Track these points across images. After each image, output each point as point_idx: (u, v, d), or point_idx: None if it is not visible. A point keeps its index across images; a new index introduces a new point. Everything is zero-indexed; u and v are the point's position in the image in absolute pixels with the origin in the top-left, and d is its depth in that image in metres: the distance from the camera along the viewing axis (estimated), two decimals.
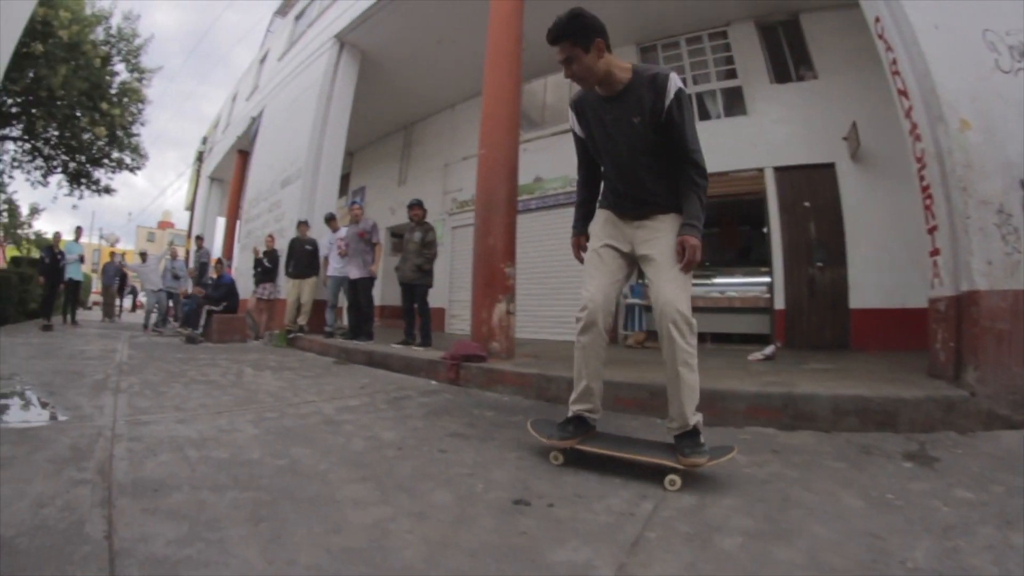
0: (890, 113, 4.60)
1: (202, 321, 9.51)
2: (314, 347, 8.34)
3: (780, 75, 8.98)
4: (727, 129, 9.10)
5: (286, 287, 9.40)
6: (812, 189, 8.38)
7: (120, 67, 14.00)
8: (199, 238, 11.86)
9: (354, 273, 8.20)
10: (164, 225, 64.86)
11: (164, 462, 2.33)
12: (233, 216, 16.76)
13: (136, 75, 14.40)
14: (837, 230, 8.11)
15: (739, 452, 2.47)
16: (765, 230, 9.00)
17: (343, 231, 8.72)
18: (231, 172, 17.39)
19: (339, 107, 10.61)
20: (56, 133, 13.31)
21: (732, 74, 9.34)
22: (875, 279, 7.73)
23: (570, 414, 2.63)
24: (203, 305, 9.63)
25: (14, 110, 12.72)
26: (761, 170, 8.75)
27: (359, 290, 8.25)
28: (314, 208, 9.97)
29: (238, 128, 16.21)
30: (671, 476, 2.21)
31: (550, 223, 10.42)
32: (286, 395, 4.39)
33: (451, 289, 12.34)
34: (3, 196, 22.28)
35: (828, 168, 8.26)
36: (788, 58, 8.96)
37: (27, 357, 6.26)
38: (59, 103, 11.89)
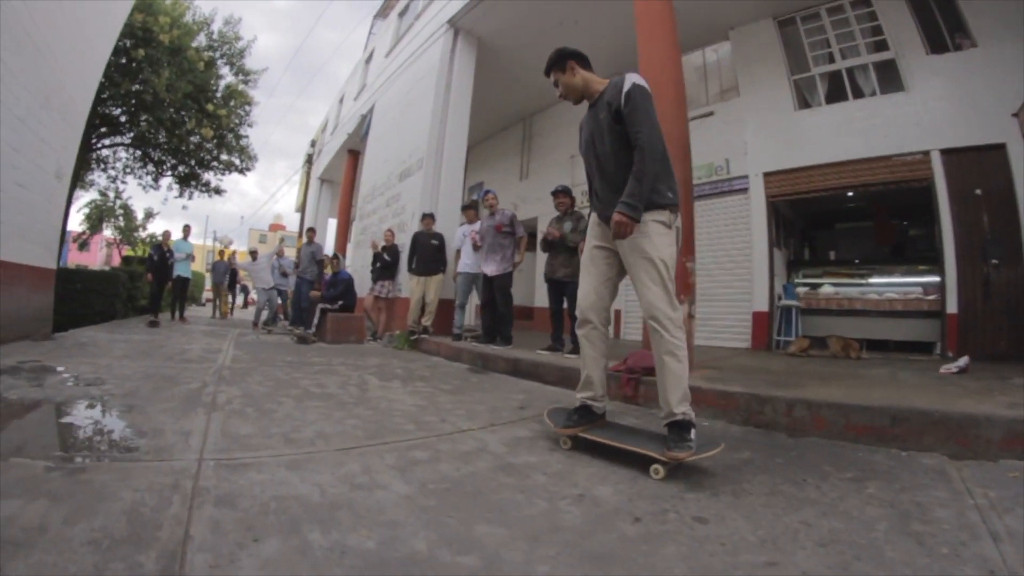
0: None
1: (315, 320, 8.58)
2: (441, 351, 7.44)
3: (935, 45, 7.79)
4: (884, 108, 7.96)
5: (408, 285, 8.51)
6: (982, 174, 7.23)
7: (225, 70, 13.89)
8: (311, 230, 11.06)
9: (491, 269, 7.18)
10: (275, 227, 66.95)
11: (269, 558, 1.45)
12: (345, 216, 16.63)
13: (241, 77, 14.15)
14: (1011, 221, 6.93)
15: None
16: (932, 224, 7.86)
17: (477, 224, 7.78)
18: (341, 173, 17.23)
19: (459, 93, 9.70)
20: (164, 140, 13.00)
21: (882, 45, 8.17)
22: None
23: (576, 403, 2.93)
24: (317, 303, 8.71)
25: (123, 118, 12.56)
26: (927, 153, 7.57)
27: (496, 288, 7.20)
28: (438, 200, 9.01)
29: (347, 127, 15.85)
30: (655, 466, 2.37)
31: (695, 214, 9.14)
32: (428, 418, 3.51)
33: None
34: (119, 201, 23.06)
35: (998, 149, 7.06)
36: (941, 25, 7.82)
37: (120, 356, 5.60)
38: (164, 104, 11.50)
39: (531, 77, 11.01)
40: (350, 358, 7.03)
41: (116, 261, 25.59)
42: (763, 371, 5.27)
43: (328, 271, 9.49)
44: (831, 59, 8.53)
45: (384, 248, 9.25)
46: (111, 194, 22.54)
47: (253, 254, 11.97)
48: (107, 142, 13.67)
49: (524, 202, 13.29)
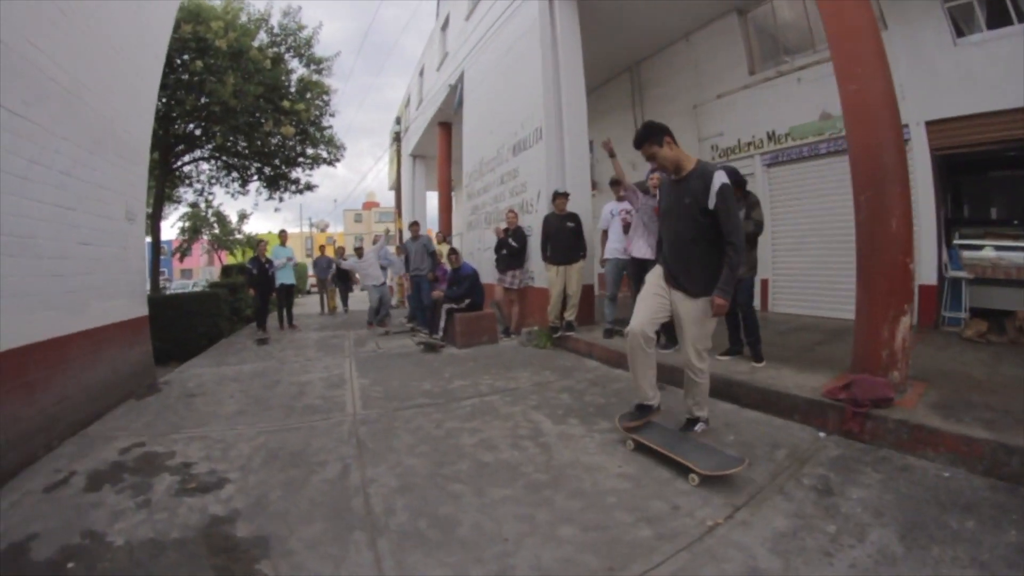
0: None
1: (442, 323, 7.61)
2: (595, 352, 6.48)
3: None
4: None
5: (547, 275, 7.25)
6: None
7: (294, 63, 12.83)
8: (414, 224, 9.98)
9: (644, 250, 5.87)
10: (368, 205, 66.82)
11: None
12: (446, 189, 16.07)
13: (313, 67, 13.09)
14: None
15: None
16: None
17: (625, 203, 6.50)
18: (433, 147, 16.34)
19: (568, 51, 8.21)
20: (245, 144, 12.27)
21: None
22: None
23: (634, 404, 3.64)
24: (441, 304, 7.69)
25: (198, 132, 11.95)
26: None
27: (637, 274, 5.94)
28: (564, 173, 7.75)
29: (435, 100, 14.71)
30: (691, 475, 2.96)
31: (832, 172, 7.83)
32: (656, 506, 2.74)
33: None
34: (211, 210, 23.16)
35: None
36: None
37: (234, 413, 4.81)
38: (236, 111, 10.74)
39: (636, 19, 9.60)
40: (494, 371, 6.02)
41: (217, 264, 26.11)
42: (978, 383, 4.25)
43: (447, 265, 8.37)
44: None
45: (509, 232, 8.06)
46: (202, 204, 22.77)
47: (359, 251, 11.08)
48: (187, 158, 13.22)
49: (643, 162, 11.61)
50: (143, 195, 6.60)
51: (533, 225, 7.99)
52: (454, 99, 12.63)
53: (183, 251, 24.23)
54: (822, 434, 3.61)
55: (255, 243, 10.87)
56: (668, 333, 5.68)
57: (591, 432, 3.90)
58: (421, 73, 18.31)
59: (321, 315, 14.00)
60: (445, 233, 15.11)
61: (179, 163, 13.04)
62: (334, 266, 13.44)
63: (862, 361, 3.98)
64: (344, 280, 13.39)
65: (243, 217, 25.38)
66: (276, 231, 11.35)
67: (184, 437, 4.13)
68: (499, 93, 9.70)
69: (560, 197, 7.08)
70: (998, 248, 6.94)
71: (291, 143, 12.37)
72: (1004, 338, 5.94)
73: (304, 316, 13.48)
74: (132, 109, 6.00)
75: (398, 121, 19.79)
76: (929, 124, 7.08)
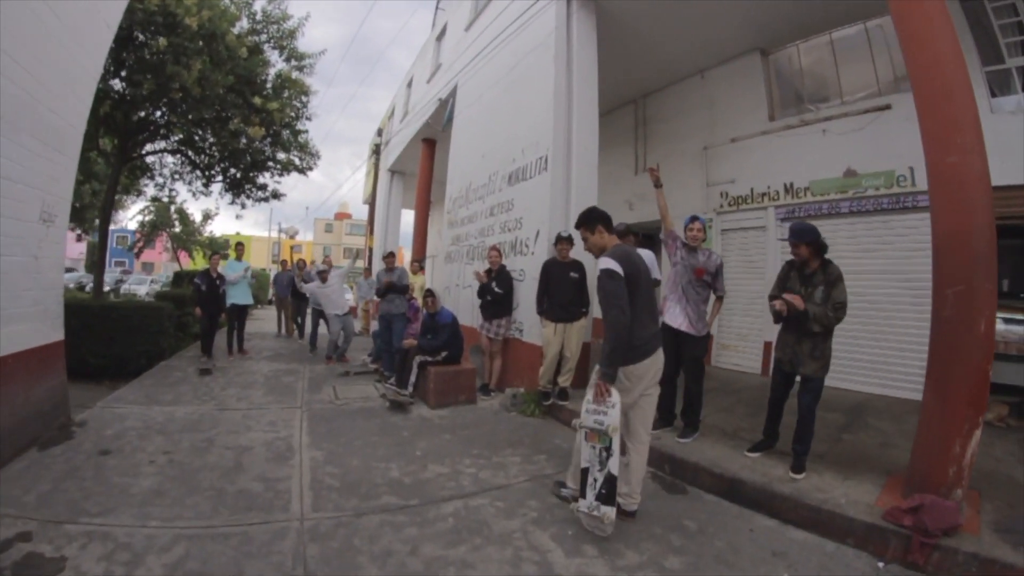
0: None
1: (413, 377, 6.48)
2: None
3: None
4: None
5: (542, 331, 6.25)
6: None
7: (274, 56, 11.39)
8: (390, 256, 8.85)
9: (679, 321, 4.91)
10: (341, 216, 65.29)
11: None
12: (423, 209, 15.12)
13: (294, 63, 11.62)
14: None
15: None
16: None
17: (649, 254, 5.79)
18: (415, 163, 15.30)
19: (584, 71, 7.27)
20: (212, 140, 10.94)
21: None
22: None
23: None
24: (415, 356, 6.56)
25: (163, 120, 10.58)
26: None
27: (687, 354, 4.93)
28: (569, 213, 6.73)
29: (423, 114, 13.63)
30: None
31: (864, 233, 7.33)
32: None
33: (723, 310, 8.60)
34: (174, 207, 21.65)
35: None
36: None
37: (151, 493, 3.75)
38: (200, 102, 9.44)
39: (648, 50, 8.86)
40: (476, 450, 4.99)
41: (186, 261, 24.45)
42: None
43: (423, 307, 7.29)
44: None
45: (492, 275, 7.01)
46: (165, 199, 21.17)
47: (322, 275, 9.89)
48: (149, 148, 11.81)
49: (641, 201, 10.84)
50: (68, 192, 5.40)
51: (526, 269, 6.99)
52: (443, 114, 11.62)
53: (139, 248, 22.67)
54: (881, 564, 3.15)
55: (217, 246, 9.61)
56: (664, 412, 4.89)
57: (616, 573, 2.93)
58: (409, 85, 17.28)
59: (277, 337, 12.75)
60: (419, 257, 13.99)
61: (140, 153, 11.62)
62: (290, 288, 12.12)
63: (925, 477, 3.44)
64: (300, 298, 11.79)
65: (207, 217, 23.80)
66: (242, 234, 10.19)
67: (83, 531, 3.10)
68: (497, 113, 8.72)
69: (564, 242, 6.09)
70: (1007, 321, 6.38)
71: (259, 145, 10.97)
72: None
73: (258, 336, 12.22)
74: (64, 85, 4.88)
75: (379, 133, 18.76)
76: None
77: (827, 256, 4.11)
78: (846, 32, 7.85)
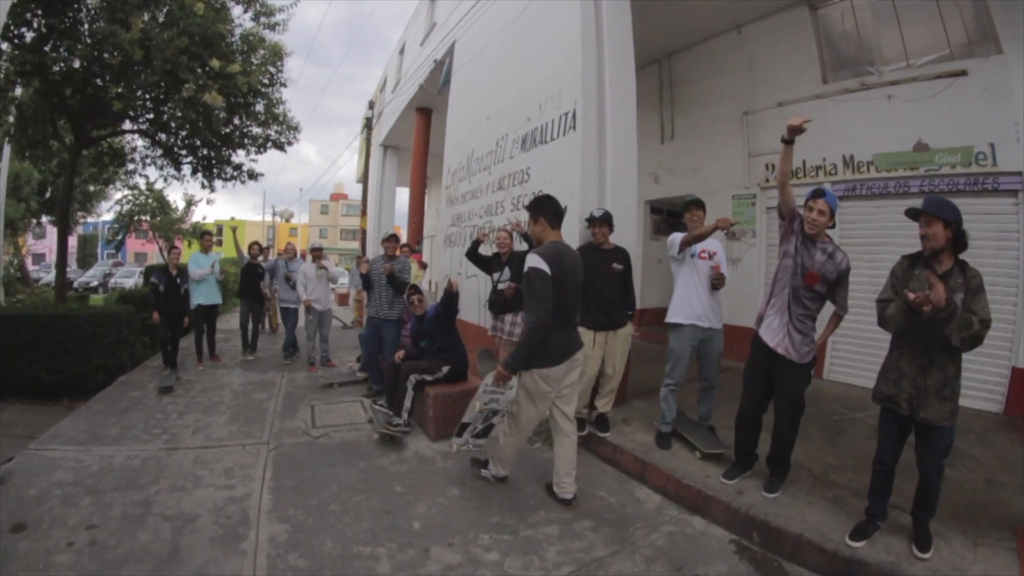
0: None
1: (408, 403, 4.99)
2: (649, 476, 4.21)
3: None
4: None
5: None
6: None
7: (239, 13, 9.63)
8: (391, 239, 7.09)
9: (778, 340, 3.52)
10: (336, 197, 63.07)
11: None
12: (419, 186, 13.77)
13: (264, 21, 9.79)
14: None
15: None
16: None
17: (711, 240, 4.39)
18: (409, 137, 13.80)
19: (615, 6, 5.68)
20: (172, 113, 9.19)
21: None
22: None
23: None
24: (411, 372, 5.08)
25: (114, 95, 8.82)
26: None
27: (783, 384, 3.57)
28: (605, 183, 5.26)
29: (416, 79, 12.04)
30: None
31: None
32: None
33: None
34: (151, 194, 20.13)
35: None
36: None
37: None
38: (143, 68, 7.81)
39: (674, 1, 7.42)
40: (495, 513, 3.70)
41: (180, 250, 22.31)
42: None
43: (411, 308, 5.79)
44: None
45: (503, 264, 5.49)
46: (142, 186, 19.76)
47: (317, 253, 8.21)
48: (110, 129, 10.41)
49: (669, 174, 9.40)
50: None
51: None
52: (440, 76, 10.05)
53: (117, 242, 21.17)
54: None
55: (200, 233, 8.11)
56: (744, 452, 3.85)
57: None
58: (402, 52, 15.65)
59: (243, 355, 9.79)
60: (414, 242, 12.43)
61: (98, 135, 10.07)
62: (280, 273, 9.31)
63: None
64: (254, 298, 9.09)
65: (190, 203, 22.15)
66: (235, 218, 8.72)
67: None
68: (505, 66, 7.18)
69: (601, 223, 4.60)
70: None
71: (221, 115, 9.19)
72: None
73: (237, 335, 10.68)
74: None
75: (371, 106, 17.15)
76: None
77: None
78: None
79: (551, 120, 5.71)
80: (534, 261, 3.30)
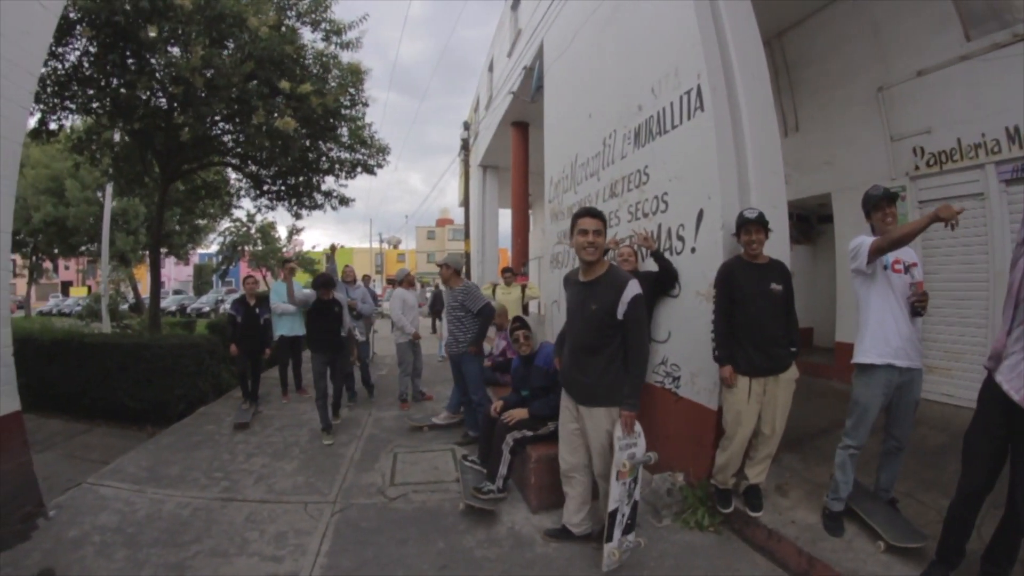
0: None
1: (504, 468, 4.00)
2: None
3: None
4: None
5: (724, 392, 3.59)
6: None
7: (308, 34, 9.03)
8: (447, 268, 6.07)
9: None
10: (442, 222, 63.63)
11: None
12: (521, 206, 13.03)
13: (335, 40, 9.08)
14: None
15: None
16: None
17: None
18: (507, 155, 13.25)
19: None
20: (267, 145, 8.32)
21: None
22: None
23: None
24: (506, 432, 4.08)
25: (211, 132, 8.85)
26: None
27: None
28: (748, 175, 4.12)
29: (507, 90, 11.40)
30: None
31: None
32: None
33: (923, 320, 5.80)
34: (253, 225, 20.60)
35: None
36: None
37: None
38: (211, 94, 7.49)
39: None
40: None
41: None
42: None
43: (515, 346, 4.74)
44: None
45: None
46: (244, 218, 20.40)
47: (404, 283, 7.49)
48: (194, 165, 10.25)
49: (798, 171, 7.98)
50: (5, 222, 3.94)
51: (683, 276, 4.37)
52: (531, 83, 9.24)
53: (221, 271, 21.82)
54: None
55: (306, 263, 7.69)
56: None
57: None
58: (490, 68, 15.15)
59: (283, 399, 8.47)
60: (518, 265, 11.53)
61: (188, 169, 9.98)
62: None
63: None
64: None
65: (293, 232, 22.46)
66: (340, 245, 8.25)
67: None
68: (603, 51, 6.14)
69: (754, 228, 3.44)
70: None
71: (298, 139, 8.53)
72: None
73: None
74: None
75: (466, 127, 16.78)
76: None
77: None
78: None
79: (669, 104, 4.60)
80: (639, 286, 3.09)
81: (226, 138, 9.27)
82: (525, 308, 8.70)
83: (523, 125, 12.05)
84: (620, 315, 3.01)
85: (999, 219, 5.42)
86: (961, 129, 5.78)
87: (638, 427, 3.10)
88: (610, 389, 3.08)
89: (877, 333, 3.10)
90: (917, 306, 3.10)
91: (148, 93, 7.64)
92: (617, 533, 3.10)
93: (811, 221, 9.44)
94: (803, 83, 8.08)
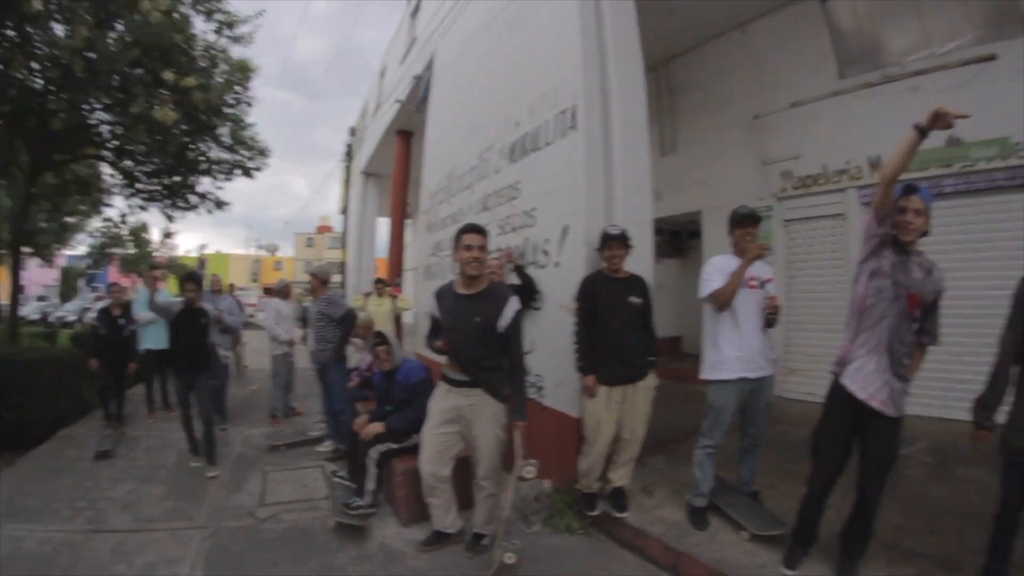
0: None
1: (371, 483, 3.99)
2: (684, 570, 3.25)
3: None
4: None
5: (586, 401, 3.72)
6: None
7: (200, 24, 8.54)
8: (313, 276, 5.94)
9: (871, 386, 2.67)
10: (323, 229, 61.23)
11: None
12: (399, 216, 12.61)
13: (227, 33, 8.64)
14: None
15: None
16: None
17: (761, 264, 3.58)
18: (390, 164, 12.83)
19: None
20: (146, 138, 8.00)
21: None
22: None
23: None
24: (370, 446, 4.06)
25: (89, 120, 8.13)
26: None
27: (874, 442, 2.74)
28: (613, 194, 4.29)
29: (396, 97, 11.16)
30: None
31: (960, 220, 5.62)
32: None
33: (785, 326, 6.66)
34: (125, 226, 19.16)
35: None
36: None
37: None
38: (91, 79, 6.95)
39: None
40: None
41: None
42: None
43: (377, 360, 4.72)
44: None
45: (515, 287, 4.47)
46: (115, 218, 18.87)
47: (281, 292, 7.34)
48: (67, 156, 9.16)
49: (672, 189, 8.54)
50: None
51: (546, 289, 4.55)
52: (419, 93, 9.17)
53: (88, 276, 20.13)
54: None
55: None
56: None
57: None
58: (383, 74, 14.85)
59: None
60: (392, 276, 11.32)
61: (61, 160, 9.05)
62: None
63: None
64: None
65: (168, 235, 21.10)
66: (205, 251, 7.69)
67: None
68: (490, 68, 6.27)
69: (616, 244, 3.63)
70: None
71: (179, 136, 8.12)
72: None
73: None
74: None
75: (352, 133, 16.34)
76: None
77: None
78: None
79: (544, 122, 4.76)
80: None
81: (103, 128, 8.57)
82: (398, 320, 8.66)
83: (407, 134, 11.75)
84: (501, 328, 3.15)
85: (856, 237, 5.99)
86: (828, 157, 6.52)
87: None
88: (496, 385, 3.26)
89: (726, 348, 3.39)
90: (770, 318, 3.41)
91: (25, 72, 7.00)
92: (504, 538, 3.20)
93: (682, 236, 10.02)
94: (685, 107, 8.60)
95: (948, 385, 5.13)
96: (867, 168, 6.18)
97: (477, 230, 3.24)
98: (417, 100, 9.25)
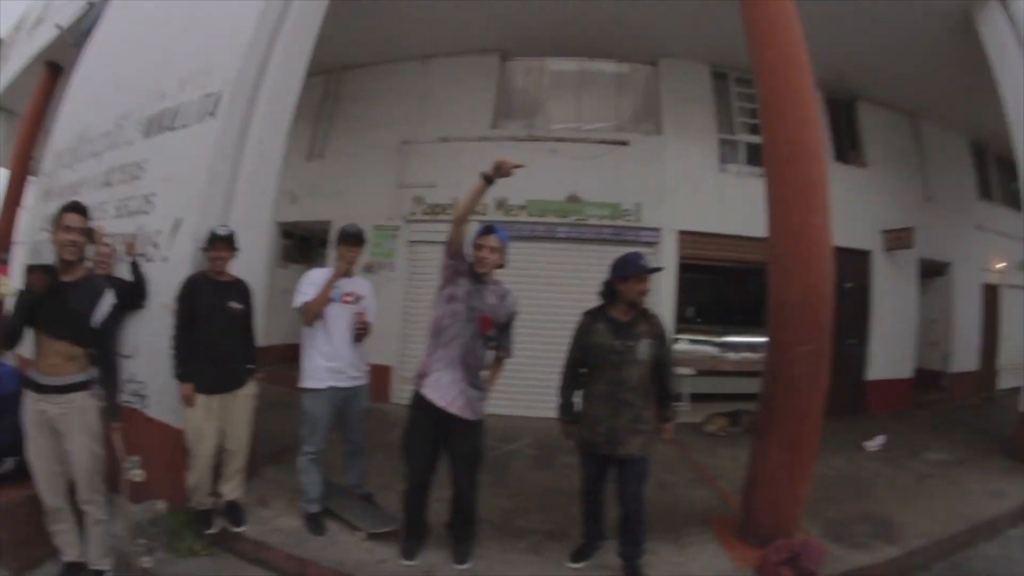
0: None
1: None
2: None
3: (839, 154, 8.27)
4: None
5: (184, 410, 3.53)
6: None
7: None
8: None
9: (448, 394, 3.12)
10: None
11: None
12: (21, 168, 9.81)
13: None
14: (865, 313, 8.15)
15: None
16: None
17: (356, 279, 3.79)
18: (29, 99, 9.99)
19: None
20: None
21: None
22: None
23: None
24: None
25: None
26: None
27: (458, 443, 3.20)
28: (235, 192, 4.12)
29: (55, 21, 8.90)
30: None
31: (567, 259, 7.33)
32: None
33: (404, 338, 7.52)
34: None
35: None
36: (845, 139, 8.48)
37: None
38: None
39: (366, 13, 6.87)
40: None
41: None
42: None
43: None
44: (755, 130, 7.26)
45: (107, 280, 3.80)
46: None
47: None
48: None
49: (310, 195, 8.55)
50: None
51: (154, 285, 4.15)
52: (84, 23, 7.61)
53: None
54: None
55: None
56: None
57: None
58: None
59: None
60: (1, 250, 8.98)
61: None
62: None
63: (776, 524, 3.48)
64: None
65: None
66: None
67: None
68: (164, 19, 5.47)
69: (222, 245, 3.50)
70: (723, 346, 7.93)
71: None
72: (739, 429, 6.49)
73: None
74: None
75: None
76: (682, 234, 7.40)
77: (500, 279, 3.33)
78: (600, 65, 7.95)
79: (189, 101, 4.39)
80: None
81: None
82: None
83: (58, 68, 9.38)
84: (96, 323, 2.86)
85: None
86: (459, 191, 6.87)
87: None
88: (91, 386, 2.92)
89: (317, 358, 3.55)
90: (359, 333, 3.62)
91: None
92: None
93: (312, 243, 10.14)
94: (344, 117, 8.74)
95: (546, 389, 5.89)
96: (493, 207, 7.11)
97: (79, 210, 2.89)
98: (80, 31, 7.63)
